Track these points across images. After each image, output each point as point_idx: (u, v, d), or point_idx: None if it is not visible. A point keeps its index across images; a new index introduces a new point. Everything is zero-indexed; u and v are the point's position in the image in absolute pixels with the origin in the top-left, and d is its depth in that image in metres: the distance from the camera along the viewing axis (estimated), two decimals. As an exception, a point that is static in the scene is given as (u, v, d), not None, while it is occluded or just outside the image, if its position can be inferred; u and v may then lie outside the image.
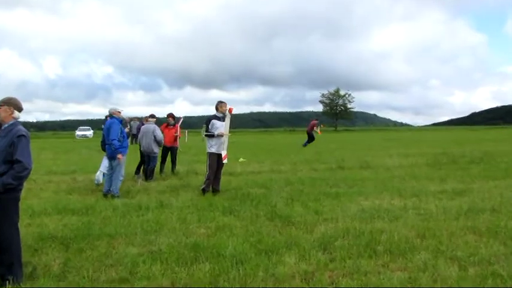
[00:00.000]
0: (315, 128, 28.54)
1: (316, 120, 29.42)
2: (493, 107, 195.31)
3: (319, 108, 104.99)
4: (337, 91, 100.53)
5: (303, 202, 8.41)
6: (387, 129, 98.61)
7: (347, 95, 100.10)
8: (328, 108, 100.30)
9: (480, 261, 4.69)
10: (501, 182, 10.60)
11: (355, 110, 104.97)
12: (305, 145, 27.96)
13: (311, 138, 28.17)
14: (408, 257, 4.91)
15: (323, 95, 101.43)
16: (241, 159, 17.62)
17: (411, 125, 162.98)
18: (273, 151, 24.86)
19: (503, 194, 8.84)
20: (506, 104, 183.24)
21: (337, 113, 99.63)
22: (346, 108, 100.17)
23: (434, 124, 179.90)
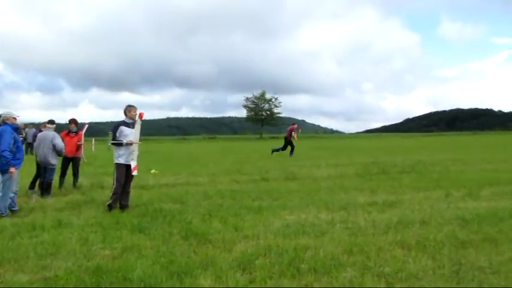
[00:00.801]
0: (293, 133, 28.45)
1: (295, 124, 29.40)
2: (427, 112, 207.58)
3: (243, 113, 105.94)
4: (262, 95, 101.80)
5: (221, 217, 8.50)
6: (316, 136, 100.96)
7: (273, 99, 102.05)
8: (252, 113, 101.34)
9: (408, 277, 5.02)
10: (432, 192, 11.31)
11: (282, 115, 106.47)
12: (275, 151, 28.32)
13: (287, 145, 28.03)
14: (334, 275, 5.14)
15: (247, 99, 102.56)
16: (153, 171, 17.46)
17: (342, 132, 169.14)
18: (191, 161, 24.93)
19: (434, 205, 9.45)
20: (440, 110, 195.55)
21: (263, 119, 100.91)
22: (273, 114, 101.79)
23: (367, 131, 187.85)
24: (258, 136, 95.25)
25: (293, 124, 29.18)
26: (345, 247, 6.25)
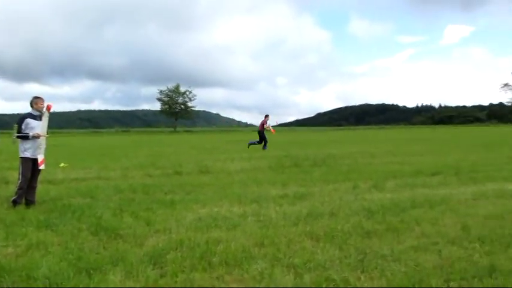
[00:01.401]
0: (265, 125, 27.64)
1: (266, 117, 28.26)
2: (337, 107, 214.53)
3: (157, 106, 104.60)
4: (176, 88, 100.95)
5: (133, 212, 8.38)
6: (231, 130, 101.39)
7: (188, 92, 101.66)
8: (167, 106, 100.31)
9: (316, 267, 5.18)
10: (341, 184, 11.71)
11: (196, 108, 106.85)
12: (252, 144, 27.73)
13: (262, 139, 27.40)
14: (245, 268, 5.22)
15: (161, 92, 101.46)
16: (62, 165, 16.84)
17: (257, 126, 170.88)
18: (102, 155, 24.22)
19: (343, 197, 9.79)
20: (350, 105, 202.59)
21: (177, 112, 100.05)
22: (187, 107, 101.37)
23: (280, 125, 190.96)
24: (172, 129, 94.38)
25: (265, 116, 28.22)
26: (256, 239, 6.35)
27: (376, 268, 5.16)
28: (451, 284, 4.68)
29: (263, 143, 27.22)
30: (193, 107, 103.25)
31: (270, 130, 28.16)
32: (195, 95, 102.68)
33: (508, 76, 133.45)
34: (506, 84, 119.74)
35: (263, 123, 27.65)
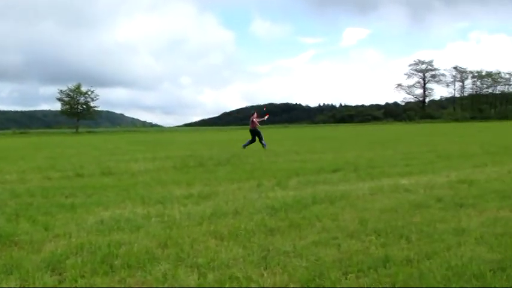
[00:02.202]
0: (255, 120, 25.83)
1: (253, 114, 26.49)
2: (242, 106, 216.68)
3: (57, 106, 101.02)
4: (78, 87, 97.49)
5: (30, 217, 7.97)
6: (135, 130, 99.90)
7: (90, 92, 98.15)
8: (67, 106, 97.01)
9: (219, 266, 5.21)
10: (245, 183, 11.82)
11: (99, 109, 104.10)
12: (246, 146, 25.80)
13: (255, 135, 25.77)
14: (148, 269, 5.14)
15: (61, 92, 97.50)
16: None
17: (162, 126, 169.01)
18: None
19: (247, 195, 9.89)
20: (254, 104, 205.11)
21: (79, 113, 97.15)
22: (89, 107, 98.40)
23: (186, 124, 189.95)
24: (74, 130, 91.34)
25: (252, 114, 26.63)
26: (159, 241, 6.28)
27: (279, 264, 5.27)
28: (349, 276, 4.89)
29: (258, 140, 25.72)
30: (95, 107, 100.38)
31: (263, 120, 26.79)
32: (97, 95, 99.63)
33: (401, 77, 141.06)
34: (399, 85, 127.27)
35: (253, 120, 26.03)
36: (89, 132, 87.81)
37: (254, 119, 25.99)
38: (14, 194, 10.61)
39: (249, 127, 26.08)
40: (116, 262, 5.37)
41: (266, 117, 26.93)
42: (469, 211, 7.86)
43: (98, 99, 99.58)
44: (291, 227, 6.94)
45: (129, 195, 10.31)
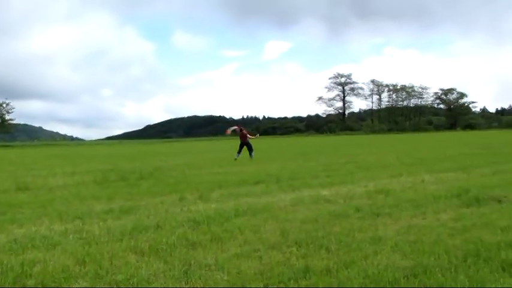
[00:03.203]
0: (248, 134, 27.04)
1: (237, 126, 27.65)
2: (166, 119, 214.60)
3: None
4: None
5: None
6: (54, 144, 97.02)
7: (4, 105, 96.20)
8: None
9: (139, 282, 5.11)
10: (168, 197, 11.67)
11: (15, 122, 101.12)
12: (252, 156, 26.09)
13: (250, 146, 26.62)
14: (63, 288, 5.00)
15: None
16: None
17: (83, 139, 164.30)
18: None
19: (168, 209, 9.77)
20: (178, 117, 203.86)
21: None
22: (4, 120, 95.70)
23: (108, 138, 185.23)
24: None
25: (241, 129, 27.33)
26: (77, 258, 6.08)
27: (200, 278, 5.24)
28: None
29: (248, 151, 26.58)
30: (11, 119, 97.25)
31: (256, 137, 28.05)
32: (13, 107, 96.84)
33: (322, 90, 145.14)
34: (320, 98, 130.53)
35: (246, 135, 26.98)
36: (4, 146, 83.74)
37: (248, 134, 27.10)
38: None
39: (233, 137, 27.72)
40: (29, 282, 5.17)
41: (257, 135, 28.68)
42: (385, 220, 8.15)
43: (13, 111, 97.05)
44: (212, 240, 6.92)
45: (46, 211, 9.95)
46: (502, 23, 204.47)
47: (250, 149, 26.58)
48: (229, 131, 27.94)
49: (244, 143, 26.75)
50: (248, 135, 27.23)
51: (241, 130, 27.25)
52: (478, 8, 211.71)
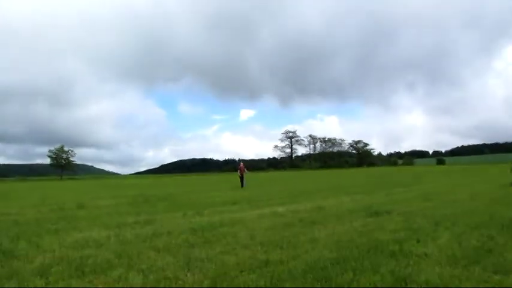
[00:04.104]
0: (244, 171, 25.50)
1: (241, 163, 26.03)
2: (174, 160, 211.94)
3: (48, 161, 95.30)
4: (61, 148, 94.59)
5: (27, 238, 7.41)
6: (102, 177, 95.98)
7: (70, 151, 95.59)
8: (55, 161, 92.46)
9: (157, 270, 5.06)
10: (176, 213, 11.46)
11: (76, 162, 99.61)
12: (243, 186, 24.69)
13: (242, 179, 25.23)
14: (108, 274, 4.91)
15: (50, 151, 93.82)
16: None
17: (120, 174, 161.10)
18: (5, 197, 21.16)
19: (176, 221, 9.63)
20: (182, 159, 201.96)
21: (63, 165, 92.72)
22: (70, 161, 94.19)
23: (136, 173, 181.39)
24: (59, 178, 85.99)
25: (239, 165, 26.16)
26: (116, 253, 6.00)
27: (197, 267, 5.22)
28: (243, 273, 4.95)
29: (240, 181, 25.55)
30: (74, 161, 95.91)
31: (246, 172, 26.29)
32: (75, 153, 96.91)
33: (277, 141, 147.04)
34: (276, 146, 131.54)
35: (242, 169, 25.68)
36: (70, 179, 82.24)
37: (245, 169, 26.00)
38: (15, 223, 9.84)
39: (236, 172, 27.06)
40: (85, 269, 5.10)
41: (247, 171, 26.68)
42: (318, 227, 8.21)
43: (75, 155, 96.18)
44: (205, 242, 6.89)
45: (96, 222, 9.75)
46: (389, 98, 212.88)
47: (241, 180, 25.71)
48: (242, 166, 26.26)
49: (242, 176, 25.74)
50: (245, 170, 26.05)
51: (243, 166, 26.18)
52: (374, 89, 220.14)
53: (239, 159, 26.96)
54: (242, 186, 25.12)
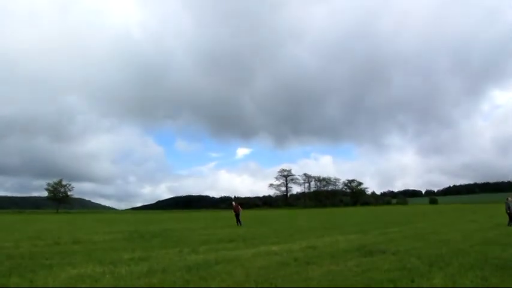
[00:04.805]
0: (239, 207, 25.40)
1: (235, 203, 25.91)
2: (170, 197, 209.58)
3: (45, 193, 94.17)
4: (59, 182, 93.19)
5: (19, 273, 7.25)
6: (98, 211, 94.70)
7: (68, 185, 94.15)
8: (52, 194, 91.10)
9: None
10: (171, 249, 11.28)
11: (74, 196, 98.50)
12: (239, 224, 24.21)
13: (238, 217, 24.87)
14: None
15: (48, 184, 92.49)
16: None
17: (116, 209, 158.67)
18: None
19: (171, 258, 9.46)
20: (178, 195, 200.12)
21: (60, 199, 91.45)
22: (67, 195, 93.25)
23: (132, 208, 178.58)
24: (56, 211, 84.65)
25: (236, 204, 25.84)
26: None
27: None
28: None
29: (236, 219, 25.21)
30: (71, 195, 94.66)
31: (241, 211, 25.96)
32: (73, 187, 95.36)
33: (272, 179, 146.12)
34: (271, 184, 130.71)
35: (236, 208, 25.61)
36: (66, 212, 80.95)
37: (239, 207, 25.78)
38: (9, 257, 9.60)
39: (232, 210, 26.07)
40: None
41: (241, 209, 26.29)
42: (313, 266, 8.10)
43: (73, 189, 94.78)
44: (201, 280, 6.78)
45: (90, 258, 9.56)
46: (381, 138, 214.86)
47: (237, 218, 25.35)
48: (235, 205, 26.31)
49: (237, 214, 25.47)
50: (239, 208, 25.95)
51: (236, 205, 26.13)
52: (366, 130, 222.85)
53: (235, 197, 26.39)
54: (239, 224, 24.74)
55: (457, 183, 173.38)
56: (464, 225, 21.05)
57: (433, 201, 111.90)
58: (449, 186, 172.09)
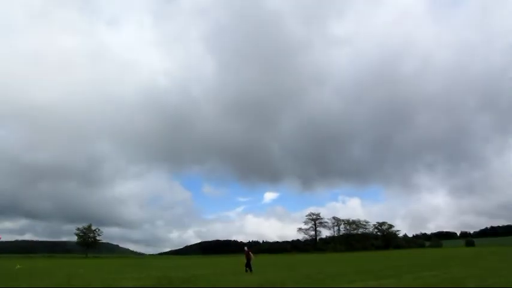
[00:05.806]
0: (251, 253, 24.12)
1: (246, 248, 24.89)
2: (198, 242, 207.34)
3: (74, 238, 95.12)
4: (89, 226, 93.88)
5: None
6: (126, 256, 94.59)
7: (97, 230, 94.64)
8: (82, 239, 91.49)
9: None
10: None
11: (102, 241, 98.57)
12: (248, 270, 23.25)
13: (248, 262, 23.74)
14: None
15: (78, 229, 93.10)
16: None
17: (144, 254, 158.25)
18: (30, 274, 20.69)
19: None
20: (206, 240, 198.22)
21: (89, 243, 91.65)
22: (97, 240, 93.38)
23: (160, 253, 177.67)
24: (85, 255, 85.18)
25: (249, 249, 24.71)
26: None
27: None
28: None
29: (247, 264, 23.76)
30: (100, 240, 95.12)
31: (252, 258, 24.64)
32: (102, 232, 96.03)
33: (301, 223, 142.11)
34: (300, 229, 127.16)
35: (250, 253, 24.21)
36: (95, 257, 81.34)
37: (250, 253, 24.52)
38: None
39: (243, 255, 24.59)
40: None
41: (253, 256, 24.95)
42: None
43: (102, 234, 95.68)
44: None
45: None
46: (409, 180, 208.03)
47: (248, 264, 23.93)
48: (247, 251, 24.79)
49: (248, 260, 24.32)
50: (250, 253, 24.61)
51: (248, 251, 24.84)
52: (394, 171, 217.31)
53: (249, 243, 24.44)
54: (247, 270, 23.27)
55: (494, 224, 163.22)
56: (508, 270, 19.52)
57: (470, 244, 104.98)
58: (486, 228, 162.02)
